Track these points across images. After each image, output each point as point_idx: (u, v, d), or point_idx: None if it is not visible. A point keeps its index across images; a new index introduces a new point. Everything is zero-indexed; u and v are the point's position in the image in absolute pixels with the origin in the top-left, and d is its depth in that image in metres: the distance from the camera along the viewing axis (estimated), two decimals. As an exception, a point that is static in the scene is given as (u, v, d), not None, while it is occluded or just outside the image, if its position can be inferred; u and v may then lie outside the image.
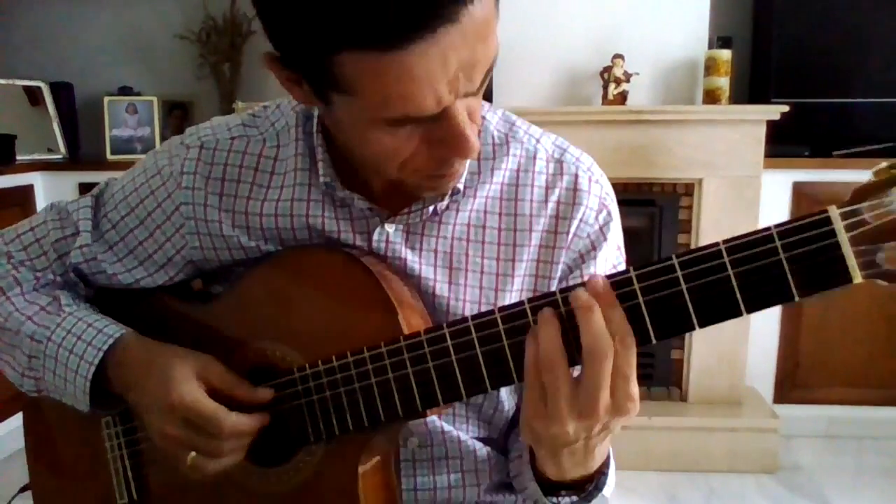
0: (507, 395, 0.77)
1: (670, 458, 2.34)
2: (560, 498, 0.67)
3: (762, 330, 2.51)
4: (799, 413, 2.56)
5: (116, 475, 0.80)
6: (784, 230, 0.50)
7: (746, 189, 2.28)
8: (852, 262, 0.49)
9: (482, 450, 0.77)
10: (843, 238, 0.48)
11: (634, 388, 0.54)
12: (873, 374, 2.53)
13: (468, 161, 0.67)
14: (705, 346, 2.41)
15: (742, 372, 2.42)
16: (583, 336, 0.53)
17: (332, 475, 0.69)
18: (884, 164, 0.49)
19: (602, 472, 0.66)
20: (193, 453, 0.67)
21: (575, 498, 0.67)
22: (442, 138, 0.58)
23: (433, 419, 0.74)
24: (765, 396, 2.53)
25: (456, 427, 0.76)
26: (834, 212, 0.49)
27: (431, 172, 0.63)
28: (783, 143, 2.35)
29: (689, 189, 2.37)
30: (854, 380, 2.54)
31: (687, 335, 2.43)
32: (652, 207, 2.41)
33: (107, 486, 0.80)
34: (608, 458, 0.66)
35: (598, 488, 0.66)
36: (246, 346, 0.72)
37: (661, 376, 2.48)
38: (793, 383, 2.58)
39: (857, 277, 0.49)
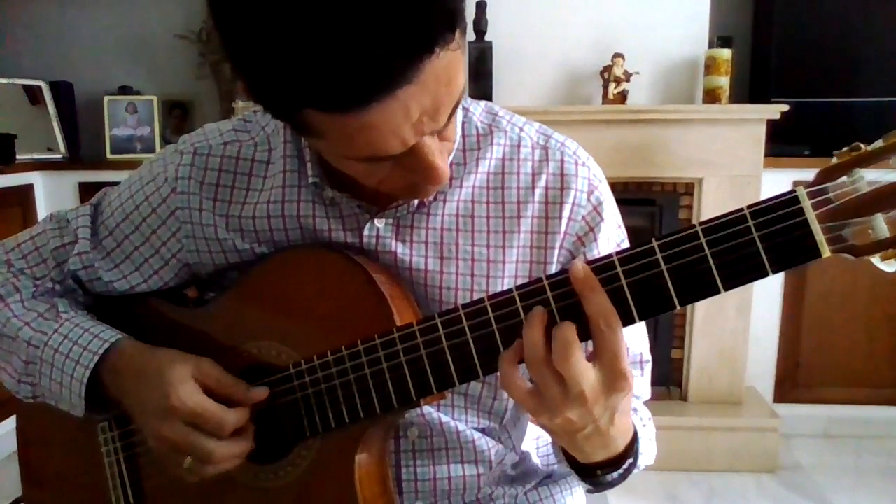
0: None
1: (670, 457, 2.34)
2: (598, 478, 0.68)
3: (762, 330, 2.52)
4: (799, 413, 2.56)
5: (113, 480, 0.80)
6: (756, 210, 0.53)
7: (746, 188, 2.28)
8: (820, 237, 0.52)
9: (481, 440, 0.78)
10: (811, 216, 0.52)
11: (625, 366, 0.55)
12: (873, 374, 2.53)
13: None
14: (705, 346, 2.41)
15: (742, 372, 2.42)
16: (552, 342, 0.56)
17: (328, 468, 0.69)
18: (845, 148, 0.53)
19: (632, 447, 0.66)
20: (190, 458, 0.67)
21: (615, 475, 0.67)
22: (413, 167, 0.59)
23: (431, 410, 0.75)
24: (765, 396, 2.53)
25: (455, 418, 0.76)
26: (801, 191, 0.52)
27: (408, 189, 0.65)
28: (783, 143, 2.35)
29: (690, 188, 2.38)
30: (854, 380, 2.54)
31: (687, 335, 2.43)
32: (652, 207, 2.42)
33: (103, 493, 0.80)
34: (635, 433, 0.66)
35: (635, 464, 0.67)
36: (242, 346, 0.72)
37: (661, 376, 2.48)
38: (793, 383, 2.58)
39: (826, 252, 0.52)
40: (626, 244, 0.77)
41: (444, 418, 0.76)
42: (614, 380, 0.56)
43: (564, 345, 0.55)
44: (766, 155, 2.30)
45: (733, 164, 2.29)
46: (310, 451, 0.70)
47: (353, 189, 0.72)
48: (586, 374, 0.55)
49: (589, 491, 0.74)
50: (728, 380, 2.42)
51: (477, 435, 0.77)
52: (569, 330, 0.55)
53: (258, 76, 0.54)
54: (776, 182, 2.31)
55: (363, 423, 0.66)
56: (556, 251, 0.74)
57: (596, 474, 0.67)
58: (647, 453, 0.70)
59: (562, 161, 0.75)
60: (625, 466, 0.66)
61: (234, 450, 0.68)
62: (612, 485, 0.70)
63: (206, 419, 0.67)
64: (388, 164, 0.59)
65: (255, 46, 0.52)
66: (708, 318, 2.39)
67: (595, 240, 0.75)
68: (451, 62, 0.53)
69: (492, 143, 0.75)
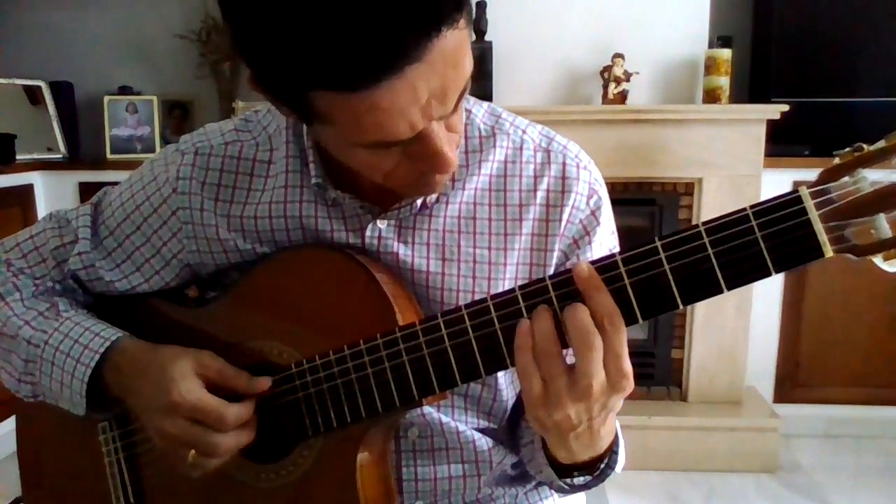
0: (506, 385, 0.77)
1: (670, 457, 2.34)
2: (574, 479, 0.69)
3: (762, 330, 2.52)
4: (799, 413, 2.56)
5: (113, 480, 0.80)
6: (759, 210, 0.53)
7: (746, 188, 2.29)
8: (823, 237, 0.52)
9: (481, 440, 0.78)
10: (814, 216, 0.52)
11: (627, 366, 0.56)
12: (873, 374, 2.53)
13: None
14: (705, 346, 2.41)
15: (742, 372, 2.42)
16: (569, 330, 0.56)
17: (330, 468, 0.69)
18: (847, 148, 0.53)
19: (612, 450, 0.67)
20: (194, 451, 0.67)
21: (588, 477, 0.68)
22: (421, 156, 0.60)
23: (431, 410, 0.75)
24: (765, 396, 2.53)
25: (455, 418, 0.77)
26: (804, 191, 0.52)
27: (415, 183, 0.65)
28: (783, 143, 2.35)
29: (689, 188, 2.38)
30: (854, 380, 2.54)
31: (687, 335, 2.43)
32: (652, 206, 2.42)
33: (103, 493, 0.80)
34: (616, 436, 0.68)
35: (610, 466, 0.68)
36: (244, 345, 0.72)
37: (661, 376, 2.48)
38: (793, 383, 2.58)
39: (829, 252, 0.52)
40: (617, 251, 0.78)
41: (445, 418, 0.76)
42: (617, 379, 0.56)
43: (583, 334, 0.55)
44: (766, 155, 2.30)
45: (733, 164, 2.30)
46: (311, 450, 0.70)
47: (355, 190, 0.72)
48: (598, 370, 0.55)
49: (559, 490, 0.74)
50: (728, 380, 2.42)
51: (477, 435, 0.77)
52: (585, 315, 0.55)
53: (266, 59, 0.55)
54: (776, 182, 2.31)
55: (365, 422, 0.66)
56: (555, 253, 0.75)
57: (572, 475, 0.68)
58: (621, 461, 0.71)
59: (563, 164, 0.75)
60: (601, 467, 0.67)
61: (240, 440, 0.69)
62: (584, 487, 0.71)
63: (206, 413, 0.67)
64: (395, 153, 0.60)
65: (263, 28, 0.52)
66: (708, 317, 2.39)
67: (589, 243, 0.75)
68: (458, 45, 0.53)
69: (494, 146, 0.75)
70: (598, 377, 0.55)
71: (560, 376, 0.56)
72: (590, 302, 0.56)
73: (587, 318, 0.55)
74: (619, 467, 0.70)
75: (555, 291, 0.58)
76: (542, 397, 0.57)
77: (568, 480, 0.69)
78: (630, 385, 0.57)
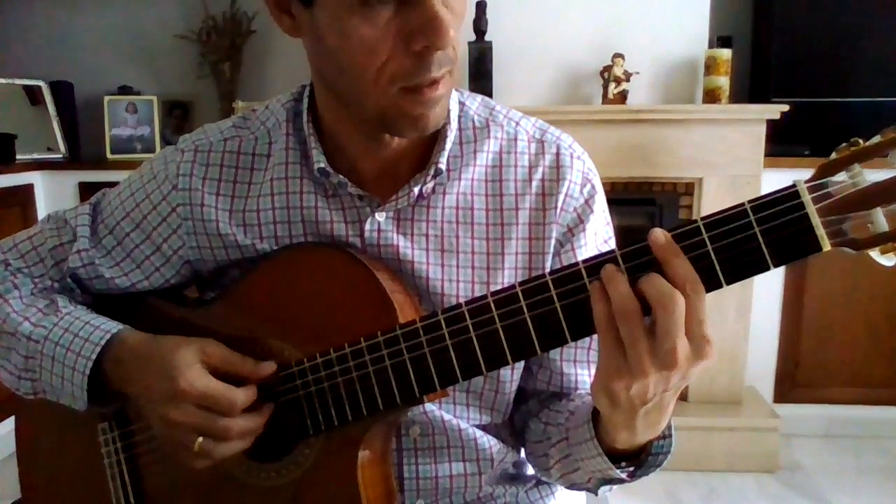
0: (508, 374, 0.77)
1: (670, 457, 2.34)
2: (621, 470, 0.66)
3: (762, 329, 2.52)
4: (799, 413, 2.56)
5: (113, 480, 0.80)
6: (757, 205, 0.53)
7: (746, 188, 2.28)
8: (821, 231, 0.52)
9: (483, 438, 0.78)
10: (811, 210, 0.52)
11: (709, 331, 0.54)
12: (873, 374, 2.53)
13: (448, 93, 0.67)
14: (705, 346, 2.41)
15: (742, 371, 2.42)
16: (648, 294, 0.53)
17: (331, 467, 0.69)
18: (843, 144, 0.53)
19: (666, 433, 0.65)
20: (201, 438, 0.67)
21: (632, 468, 0.66)
22: (417, 26, 0.59)
23: (433, 408, 0.75)
24: (765, 396, 2.53)
25: (456, 416, 0.77)
26: (801, 185, 0.52)
27: (412, 79, 0.62)
28: (783, 143, 2.35)
29: (690, 188, 2.38)
30: (854, 380, 2.55)
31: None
32: (652, 206, 2.42)
33: (104, 493, 0.80)
34: (670, 422, 0.65)
35: (664, 452, 0.66)
36: (244, 344, 0.72)
37: (661, 376, 2.47)
38: (793, 383, 2.58)
39: (826, 246, 0.52)
40: (613, 242, 0.78)
41: (447, 416, 0.76)
42: (700, 346, 0.53)
43: (664, 295, 0.52)
44: (766, 155, 2.30)
45: (733, 164, 2.30)
46: (312, 449, 0.70)
47: (356, 175, 0.73)
48: (681, 332, 0.53)
49: (607, 483, 0.71)
50: (728, 380, 2.42)
51: (479, 433, 0.78)
52: (662, 281, 0.53)
53: None
54: (776, 182, 2.25)
55: (366, 420, 0.66)
56: (552, 241, 0.75)
57: (619, 466, 0.66)
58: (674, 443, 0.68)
59: (557, 153, 0.76)
60: (647, 457, 0.65)
61: (250, 425, 0.68)
62: (636, 476, 0.68)
63: (216, 400, 0.67)
64: (392, 28, 0.59)
65: None
66: (708, 318, 2.39)
67: (583, 231, 0.75)
68: None
69: (489, 137, 0.76)
70: (682, 341, 0.53)
71: (641, 339, 0.53)
72: (670, 268, 0.53)
73: (665, 282, 0.53)
74: (663, 459, 0.68)
75: (555, 289, 0.57)
76: (622, 365, 0.54)
77: (620, 471, 0.66)
78: (712, 352, 0.54)
